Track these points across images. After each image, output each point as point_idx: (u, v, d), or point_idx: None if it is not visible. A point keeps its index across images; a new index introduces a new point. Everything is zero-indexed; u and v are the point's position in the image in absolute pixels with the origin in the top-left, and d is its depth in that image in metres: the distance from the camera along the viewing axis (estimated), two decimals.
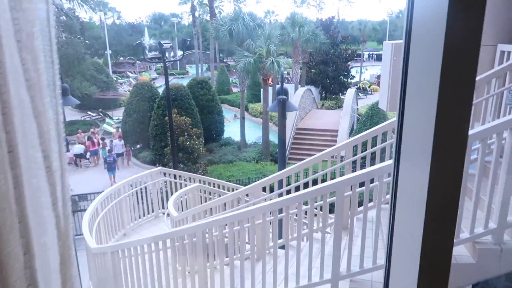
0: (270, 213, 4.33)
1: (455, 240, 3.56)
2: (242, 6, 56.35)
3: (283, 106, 5.99)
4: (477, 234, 3.47)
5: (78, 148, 19.61)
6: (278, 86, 6.65)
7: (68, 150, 20.15)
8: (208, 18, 46.20)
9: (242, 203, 6.09)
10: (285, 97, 6.02)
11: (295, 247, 4.24)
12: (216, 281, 4.55)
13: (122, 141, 19.78)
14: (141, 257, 4.83)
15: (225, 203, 6.01)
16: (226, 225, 4.28)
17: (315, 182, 5.44)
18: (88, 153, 19.88)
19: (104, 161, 18.38)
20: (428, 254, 0.89)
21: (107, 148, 19.19)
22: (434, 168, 0.86)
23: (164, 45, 11.32)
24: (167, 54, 60.31)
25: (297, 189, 5.49)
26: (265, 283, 4.22)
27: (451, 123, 0.81)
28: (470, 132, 3.36)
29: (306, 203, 4.93)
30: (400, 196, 1.07)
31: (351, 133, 20.28)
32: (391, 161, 3.82)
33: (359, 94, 34.83)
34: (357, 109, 24.54)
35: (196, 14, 50.46)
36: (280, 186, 5.71)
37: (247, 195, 6.19)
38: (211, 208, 6.51)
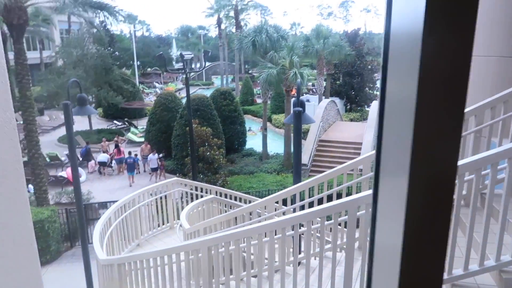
0: (276, 231, 4.11)
1: (479, 268, 3.23)
2: (269, 18, 56.83)
3: (298, 119, 5.78)
4: (504, 262, 3.15)
5: (102, 157, 19.98)
6: (294, 99, 6.47)
7: (91, 159, 20.58)
8: (234, 30, 46.71)
9: (255, 217, 5.89)
10: (300, 109, 5.82)
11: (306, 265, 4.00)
12: None
13: (156, 154, 19.16)
14: (146, 271, 4.70)
15: (236, 217, 5.82)
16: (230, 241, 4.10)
17: (329, 198, 5.19)
18: (114, 162, 20.19)
19: (124, 163, 19.37)
20: None
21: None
22: (411, 207, 0.67)
23: (185, 56, 11.37)
24: (193, 65, 61.31)
25: (311, 204, 5.25)
26: None
27: (429, 158, 0.63)
28: (496, 150, 3.06)
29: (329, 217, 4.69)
30: (378, 231, 0.87)
31: (375, 146, 19.74)
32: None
33: None
34: None
35: (223, 26, 51.15)
36: (295, 200, 5.49)
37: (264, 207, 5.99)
38: (225, 221, 6.34)
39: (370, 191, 3.70)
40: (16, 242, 1.55)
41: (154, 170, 18.87)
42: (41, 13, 27.11)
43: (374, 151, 4.73)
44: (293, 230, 4.02)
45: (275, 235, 4.27)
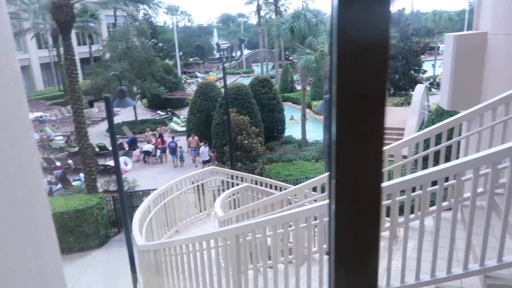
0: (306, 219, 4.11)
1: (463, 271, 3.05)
2: (310, 2, 55.62)
3: (330, 106, 5.66)
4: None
5: (147, 147, 20.80)
6: (327, 85, 6.34)
7: (136, 148, 21.49)
8: (273, 16, 46.25)
9: (293, 203, 5.92)
10: None
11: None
12: (251, 284, 4.45)
13: (207, 147, 18.84)
14: (180, 256, 4.89)
15: (272, 204, 5.88)
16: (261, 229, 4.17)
17: None
18: (158, 151, 20.94)
19: (168, 146, 20.62)
20: None
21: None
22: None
23: (221, 45, 11.48)
24: (233, 54, 61.52)
25: None
26: None
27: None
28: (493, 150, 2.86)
29: None
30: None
31: (419, 131, 18.97)
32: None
33: (432, 89, 32.52)
34: (428, 106, 22.88)
35: (262, 13, 50.82)
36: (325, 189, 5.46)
37: (295, 194, 6.00)
38: (257, 209, 6.43)
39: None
40: (35, 231, 1.69)
41: (205, 162, 18.43)
42: (88, 9, 28.32)
43: (411, 136, 4.55)
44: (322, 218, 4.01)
45: (300, 224, 4.29)
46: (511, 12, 5.12)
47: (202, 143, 19.31)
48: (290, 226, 4.05)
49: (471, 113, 4.30)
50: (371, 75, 0.58)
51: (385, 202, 3.75)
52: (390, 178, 5.08)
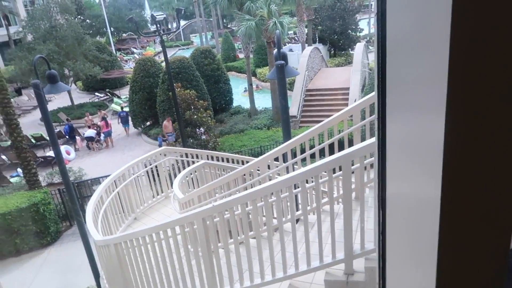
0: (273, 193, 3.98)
1: None
2: None
3: (282, 73, 5.49)
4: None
5: (89, 132, 19.54)
6: (275, 51, 6.13)
7: (76, 135, 20.16)
8: None
9: (254, 177, 5.77)
10: (283, 62, 5.50)
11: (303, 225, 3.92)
12: (223, 263, 4.31)
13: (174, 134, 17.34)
14: (144, 247, 4.61)
15: (229, 182, 5.69)
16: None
17: (321, 152, 5.06)
18: (102, 135, 19.78)
19: (118, 116, 21.54)
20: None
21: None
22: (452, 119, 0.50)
23: (157, 17, 10.71)
24: (169, 26, 59.03)
25: (302, 161, 5.09)
26: (274, 264, 3.95)
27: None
28: None
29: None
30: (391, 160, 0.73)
31: (362, 89, 19.53)
32: None
33: (370, 47, 33.45)
34: (368, 63, 23.52)
35: None
36: (287, 159, 5.35)
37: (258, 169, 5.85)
38: (222, 185, 6.22)
39: (366, 142, 3.54)
40: None
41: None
42: None
43: (363, 99, 4.49)
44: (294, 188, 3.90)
45: (271, 198, 4.16)
46: None
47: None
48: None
49: None
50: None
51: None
52: (350, 139, 5.07)
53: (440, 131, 0.50)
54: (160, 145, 17.42)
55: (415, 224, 0.64)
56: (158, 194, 8.65)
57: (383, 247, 0.86)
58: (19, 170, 15.41)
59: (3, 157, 18.33)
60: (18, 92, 31.07)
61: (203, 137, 15.23)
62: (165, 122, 17.81)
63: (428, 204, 0.57)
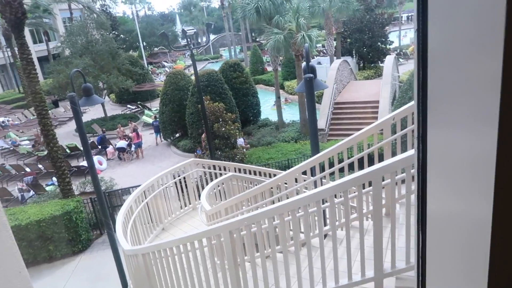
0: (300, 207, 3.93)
1: None
2: None
3: (310, 86, 5.47)
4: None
5: (121, 143, 20.10)
6: (304, 64, 6.12)
7: (108, 146, 20.77)
8: None
9: (282, 190, 5.73)
10: (311, 75, 5.49)
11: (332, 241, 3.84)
12: (249, 277, 4.27)
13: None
14: (171, 258, 4.64)
15: (256, 195, 5.68)
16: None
17: (350, 166, 4.97)
18: (133, 146, 20.29)
19: (152, 125, 22.75)
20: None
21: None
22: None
23: (188, 31, 10.98)
24: (199, 40, 60.34)
25: (332, 174, 5.02)
26: (301, 279, 3.88)
27: None
28: None
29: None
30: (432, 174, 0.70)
31: (393, 103, 19.16)
32: None
33: (400, 60, 32.94)
34: (398, 76, 23.12)
35: None
36: (316, 172, 5.29)
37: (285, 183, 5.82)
38: (249, 198, 6.22)
39: (397, 157, 3.45)
40: None
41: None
42: (40, 4, 26.74)
43: (393, 113, 4.39)
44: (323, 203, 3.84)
45: (298, 212, 4.11)
46: None
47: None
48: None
49: None
50: None
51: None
52: (380, 153, 4.96)
53: (492, 144, 0.47)
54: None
55: (462, 246, 0.61)
56: (185, 205, 8.74)
57: (422, 268, 0.82)
58: (54, 179, 15.99)
59: (40, 166, 19.10)
60: (55, 104, 32.45)
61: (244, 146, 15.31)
62: (204, 135, 17.90)
63: (477, 224, 0.54)
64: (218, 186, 7.47)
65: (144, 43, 47.68)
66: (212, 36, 55.20)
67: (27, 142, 23.78)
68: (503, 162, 0.46)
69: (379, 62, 31.05)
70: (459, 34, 0.57)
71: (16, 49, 16.90)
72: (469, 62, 0.54)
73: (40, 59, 38.62)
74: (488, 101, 0.47)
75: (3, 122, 27.57)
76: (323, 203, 4.22)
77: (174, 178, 8.44)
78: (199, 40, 59.74)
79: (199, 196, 8.93)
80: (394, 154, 4.55)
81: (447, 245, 0.67)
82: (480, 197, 0.51)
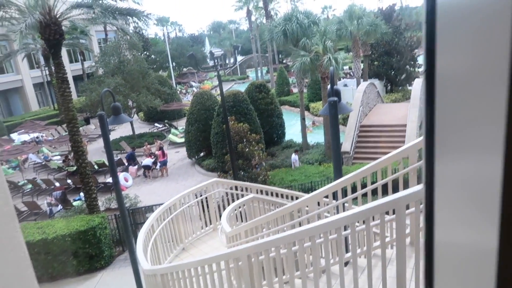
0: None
1: None
2: (299, 5, 55.64)
3: (334, 109, 5.43)
4: None
5: (146, 161, 20.49)
6: (329, 87, 6.09)
7: (135, 164, 21.20)
8: (264, 21, 46.14)
9: (302, 214, 5.64)
10: (336, 98, 5.45)
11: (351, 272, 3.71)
12: None
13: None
14: (189, 280, 4.61)
15: (276, 218, 5.60)
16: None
17: (373, 191, 4.83)
18: (159, 164, 20.63)
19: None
20: None
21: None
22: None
23: (215, 53, 11.23)
24: (227, 61, 61.88)
25: (354, 199, 4.89)
26: None
27: None
28: None
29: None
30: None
31: (420, 127, 18.73)
32: None
33: None
34: None
35: (253, 18, 50.78)
36: (338, 197, 5.18)
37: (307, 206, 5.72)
38: (268, 222, 6.14)
39: (420, 186, 3.34)
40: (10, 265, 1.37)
41: None
42: (78, 26, 28.13)
43: (421, 138, 4.28)
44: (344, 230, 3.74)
45: (319, 238, 4.01)
46: None
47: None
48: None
49: None
50: None
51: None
52: (405, 180, 4.82)
53: (497, 172, 0.45)
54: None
55: (468, 278, 0.58)
56: (206, 225, 8.72)
57: None
58: (82, 194, 16.38)
59: (69, 181, 19.65)
60: (87, 121, 33.59)
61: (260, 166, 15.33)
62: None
63: (482, 256, 0.51)
64: (239, 207, 7.43)
65: (173, 63, 49.07)
66: (239, 58, 56.18)
67: (59, 157, 24.60)
68: (509, 191, 0.44)
69: (408, 85, 30.63)
70: (465, 65, 0.57)
71: (53, 68, 17.77)
72: (473, 91, 0.54)
73: (75, 78, 40.31)
74: (492, 129, 0.46)
75: (37, 137, 28.70)
76: (344, 230, 4.11)
77: (196, 198, 8.47)
78: (227, 61, 61.01)
79: (220, 216, 8.92)
80: (420, 181, 4.41)
81: (454, 277, 0.65)
82: (485, 228, 0.49)
